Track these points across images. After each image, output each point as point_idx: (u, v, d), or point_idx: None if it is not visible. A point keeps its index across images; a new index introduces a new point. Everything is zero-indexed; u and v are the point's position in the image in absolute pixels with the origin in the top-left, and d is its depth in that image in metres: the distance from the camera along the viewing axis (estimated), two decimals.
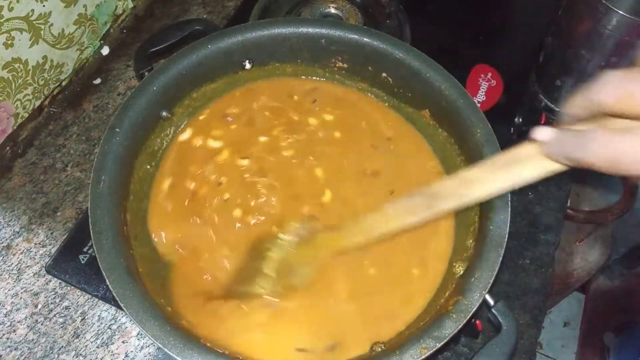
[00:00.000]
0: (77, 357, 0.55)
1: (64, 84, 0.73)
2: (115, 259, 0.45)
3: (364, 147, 0.58)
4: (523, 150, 0.34)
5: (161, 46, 0.60)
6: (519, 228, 0.65)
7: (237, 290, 0.50)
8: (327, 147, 0.58)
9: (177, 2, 0.83)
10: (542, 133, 0.32)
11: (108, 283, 0.44)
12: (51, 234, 0.62)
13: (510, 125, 0.69)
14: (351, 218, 0.49)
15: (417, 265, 0.52)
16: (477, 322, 0.49)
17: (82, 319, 0.57)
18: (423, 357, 0.42)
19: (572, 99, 0.30)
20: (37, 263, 0.60)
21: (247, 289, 0.49)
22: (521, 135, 0.70)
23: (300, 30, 0.59)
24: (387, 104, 0.61)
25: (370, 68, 0.60)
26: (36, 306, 0.58)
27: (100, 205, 0.47)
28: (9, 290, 0.59)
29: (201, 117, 0.59)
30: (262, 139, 0.58)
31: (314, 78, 0.63)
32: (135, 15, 0.81)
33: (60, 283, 0.59)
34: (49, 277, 0.59)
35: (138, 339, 0.56)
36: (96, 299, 0.58)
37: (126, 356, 0.55)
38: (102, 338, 0.56)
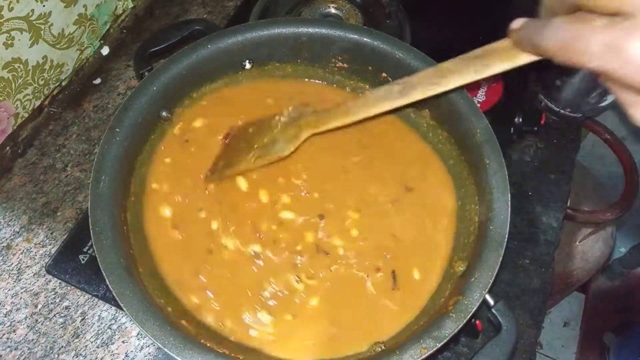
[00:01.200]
0: (77, 357, 0.55)
1: (64, 84, 0.73)
2: (115, 259, 0.45)
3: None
4: (497, 44, 0.36)
5: (161, 46, 0.60)
6: (519, 228, 0.65)
7: (223, 171, 0.54)
8: None
9: (177, 2, 0.83)
10: (516, 22, 0.34)
11: (108, 283, 0.44)
12: (51, 234, 0.62)
13: (510, 125, 0.69)
14: None
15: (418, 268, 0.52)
16: (477, 322, 0.49)
17: (82, 319, 0.57)
18: (423, 357, 0.42)
19: None
20: (37, 263, 0.60)
21: (233, 165, 0.54)
22: (521, 135, 0.71)
23: (300, 30, 0.59)
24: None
25: (370, 68, 0.60)
26: (36, 306, 0.58)
27: (100, 205, 0.47)
28: (9, 290, 0.59)
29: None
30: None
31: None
32: (135, 15, 0.81)
33: (60, 283, 0.59)
34: (49, 277, 0.59)
35: (138, 339, 0.56)
36: (96, 299, 0.58)
37: (126, 356, 0.55)
38: (102, 338, 0.56)
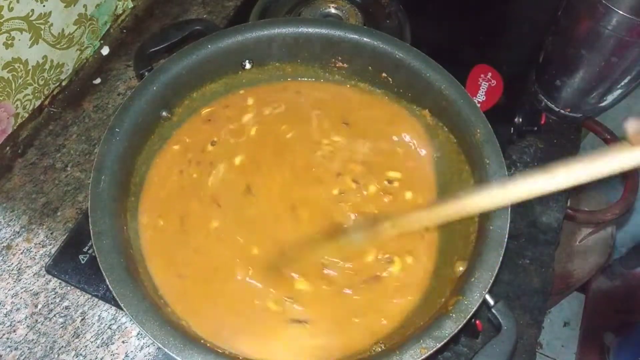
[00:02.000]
0: (77, 357, 0.55)
1: (64, 84, 0.73)
2: (115, 259, 0.45)
3: None
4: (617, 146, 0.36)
5: (161, 46, 0.60)
6: (519, 228, 0.65)
7: (293, 257, 0.53)
8: None
9: (177, 2, 0.83)
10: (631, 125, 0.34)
11: (108, 283, 0.44)
12: (51, 234, 0.62)
13: (510, 125, 0.69)
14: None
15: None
16: (477, 322, 0.49)
17: (82, 319, 0.57)
18: (423, 357, 0.42)
19: None
20: (37, 263, 0.60)
21: (305, 257, 0.53)
22: (521, 135, 0.71)
23: (300, 30, 0.59)
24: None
25: (370, 68, 0.60)
26: (36, 306, 0.58)
27: (100, 205, 0.47)
28: (9, 290, 0.59)
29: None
30: None
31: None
32: (135, 15, 0.81)
33: (60, 283, 0.59)
34: (49, 277, 0.59)
35: (138, 339, 0.56)
36: (96, 299, 0.58)
37: (126, 356, 0.55)
38: (102, 338, 0.56)
